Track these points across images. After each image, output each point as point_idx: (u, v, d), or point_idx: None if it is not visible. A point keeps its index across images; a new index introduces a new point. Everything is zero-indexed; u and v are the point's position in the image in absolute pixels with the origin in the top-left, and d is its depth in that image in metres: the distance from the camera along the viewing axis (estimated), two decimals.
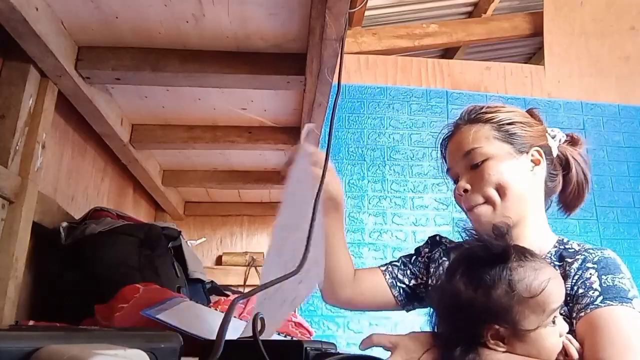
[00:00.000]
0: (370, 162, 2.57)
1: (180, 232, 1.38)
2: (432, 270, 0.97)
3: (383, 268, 0.99)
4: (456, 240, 0.98)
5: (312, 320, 2.23)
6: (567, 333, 0.73)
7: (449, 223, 2.48)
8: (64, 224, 1.18)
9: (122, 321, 0.89)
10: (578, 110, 2.83)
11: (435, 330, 0.75)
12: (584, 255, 0.80)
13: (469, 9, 3.06)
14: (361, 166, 2.56)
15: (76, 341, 0.34)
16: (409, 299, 0.97)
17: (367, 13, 2.81)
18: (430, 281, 0.96)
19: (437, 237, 1.02)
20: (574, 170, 0.94)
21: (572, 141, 0.96)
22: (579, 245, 0.85)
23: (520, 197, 0.84)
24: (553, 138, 0.93)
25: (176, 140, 1.47)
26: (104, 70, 1.07)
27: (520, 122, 0.89)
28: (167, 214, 2.19)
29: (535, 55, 3.41)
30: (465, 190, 0.86)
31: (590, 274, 0.76)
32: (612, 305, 0.71)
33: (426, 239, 1.04)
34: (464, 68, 2.83)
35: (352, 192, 2.51)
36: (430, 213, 2.51)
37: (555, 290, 0.70)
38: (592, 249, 0.82)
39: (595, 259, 0.79)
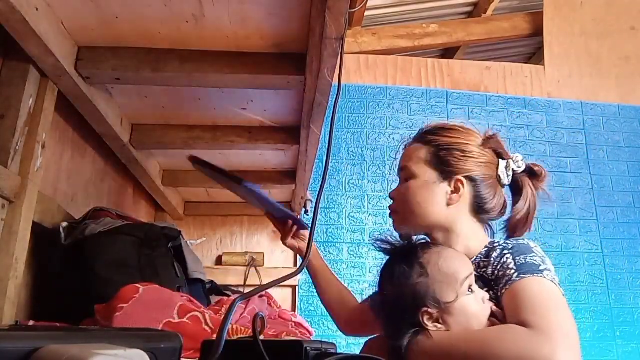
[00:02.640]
0: (370, 162, 2.57)
1: (180, 232, 1.38)
2: None
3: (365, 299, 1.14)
4: None
5: (312, 320, 2.23)
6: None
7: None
8: (64, 224, 1.18)
9: (122, 321, 0.89)
10: (578, 110, 2.83)
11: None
12: (502, 246, 0.89)
13: (469, 9, 3.06)
14: (361, 166, 2.56)
15: (76, 341, 0.34)
16: None
17: (367, 13, 2.81)
18: None
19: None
20: (522, 199, 1.00)
21: (531, 172, 1.01)
22: (500, 244, 0.92)
23: (427, 216, 0.96)
24: (505, 167, 0.99)
25: (176, 140, 1.47)
26: (104, 70, 1.07)
27: (459, 150, 0.97)
28: (167, 214, 2.19)
29: (535, 55, 3.41)
30: (392, 198, 1.02)
31: (507, 257, 0.86)
32: (525, 277, 0.80)
33: None
34: (464, 68, 2.83)
35: (352, 192, 2.51)
36: None
37: (459, 262, 0.82)
38: (509, 241, 0.91)
39: (510, 246, 0.88)
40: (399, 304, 0.80)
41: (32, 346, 0.32)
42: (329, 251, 2.39)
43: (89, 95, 1.12)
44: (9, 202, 0.96)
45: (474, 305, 0.80)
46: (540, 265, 0.83)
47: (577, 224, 2.61)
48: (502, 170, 0.99)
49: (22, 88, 0.98)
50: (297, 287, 2.30)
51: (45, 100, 1.04)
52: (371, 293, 1.05)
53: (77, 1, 0.92)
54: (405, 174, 1.00)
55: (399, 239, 0.91)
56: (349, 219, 2.46)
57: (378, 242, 0.90)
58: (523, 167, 1.00)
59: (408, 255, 0.83)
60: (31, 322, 0.99)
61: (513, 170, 1.00)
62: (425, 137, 1.02)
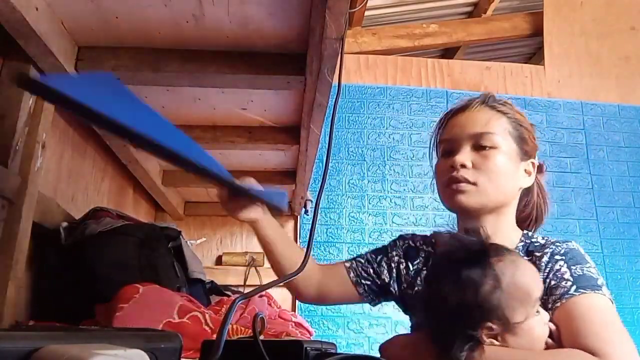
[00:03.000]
0: (370, 162, 2.57)
1: (180, 232, 1.38)
2: (402, 273, 0.97)
3: (348, 264, 1.00)
4: (422, 235, 1.02)
5: (312, 320, 2.23)
6: None
7: (449, 223, 2.47)
8: (64, 224, 1.18)
9: (122, 321, 0.89)
10: (578, 110, 2.83)
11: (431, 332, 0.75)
12: (551, 248, 0.83)
13: (469, 9, 3.06)
14: (361, 166, 2.56)
15: (76, 341, 0.34)
16: (375, 295, 0.99)
17: (367, 13, 2.81)
18: (395, 283, 0.97)
19: (410, 236, 1.02)
20: (534, 194, 0.95)
21: (540, 168, 0.96)
22: (543, 238, 0.87)
23: (503, 194, 0.86)
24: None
25: None
26: (104, 70, 1.07)
27: (529, 131, 0.91)
28: (167, 214, 2.19)
29: (535, 55, 3.41)
30: (463, 166, 0.85)
31: (560, 265, 0.79)
32: (585, 293, 0.74)
33: (394, 239, 1.03)
34: (464, 68, 2.83)
35: (352, 192, 2.51)
36: (430, 213, 2.51)
37: (535, 280, 0.73)
38: (558, 242, 0.85)
39: (562, 251, 0.82)
40: (460, 312, 0.69)
41: (32, 346, 0.32)
42: (329, 251, 2.39)
43: None
44: (9, 202, 0.96)
45: (539, 328, 0.72)
46: (597, 278, 0.77)
47: (577, 224, 2.61)
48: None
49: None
50: None
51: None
52: (357, 256, 1.01)
53: (77, 1, 0.92)
54: (488, 140, 0.85)
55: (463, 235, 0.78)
56: (349, 219, 2.46)
57: (453, 239, 0.77)
58: (537, 162, 0.96)
59: (478, 258, 0.71)
60: (31, 322, 0.99)
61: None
62: (500, 107, 0.90)
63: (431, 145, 0.98)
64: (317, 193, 0.77)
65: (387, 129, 2.64)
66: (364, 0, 2.06)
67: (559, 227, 2.59)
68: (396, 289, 0.97)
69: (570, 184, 2.68)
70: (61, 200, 1.25)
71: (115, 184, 1.66)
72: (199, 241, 2.29)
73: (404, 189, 2.54)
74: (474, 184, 0.84)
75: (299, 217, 2.40)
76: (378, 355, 0.73)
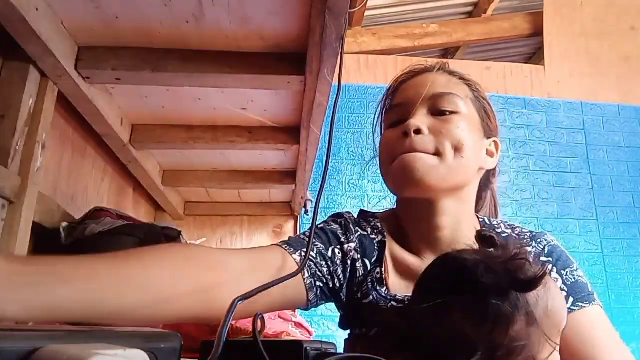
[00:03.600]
0: (370, 162, 2.57)
1: (180, 232, 1.38)
2: (357, 274, 0.73)
3: (297, 258, 0.68)
4: (368, 213, 0.80)
5: (312, 320, 2.23)
6: None
7: None
8: (64, 224, 1.18)
9: None
10: (578, 110, 2.83)
11: None
12: (530, 244, 0.72)
13: (469, 9, 3.06)
14: (361, 166, 2.56)
15: (76, 341, 0.34)
16: (320, 300, 0.73)
17: (367, 13, 2.81)
18: (346, 289, 0.74)
19: (358, 223, 0.78)
20: (488, 192, 0.85)
21: (493, 171, 0.85)
22: (507, 226, 0.76)
23: (465, 171, 0.70)
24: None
25: (176, 140, 1.46)
26: (104, 70, 1.07)
27: (492, 108, 0.79)
28: (167, 214, 2.19)
29: (535, 55, 3.41)
30: (418, 131, 0.68)
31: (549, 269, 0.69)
32: (585, 307, 0.67)
33: (342, 219, 0.78)
34: (464, 68, 2.81)
35: (352, 192, 2.51)
36: None
37: (563, 305, 0.57)
38: (534, 234, 0.74)
39: (547, 251, 0.71)
40: (474, 350, 0.51)
41: (32, 346, 0.32)
42: None
43: (89, 95, 1.12)
44: (9, 202, 0.96)
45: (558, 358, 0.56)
46: (587, 284, 0.71)
47: (577, 224, 2.61)
48: None
49: (22, 88, 0.98)
50: None
51: (45, 100, 1.04)
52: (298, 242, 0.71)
53: (77, 1, 0.92)
54: (450, 103, 0.71)
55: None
56: None
57: (473, 257, 0.55)
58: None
59: (505, 282, 0.51)
60: (31, 322, 0.99)
61: None
62: (459, 74, 0.78)
63: (375, 120, 0.81)
64: (317, 193, 0.76)
65: None
66: (364, 0, 2.06)
67: (559, 227, 2.59)
68: (345, 296, 0.73)
69: (570, 184, 2.68)
70: (61, 200, 1.25)
71: (115, 184, 1.66)
72: (199, 241, 2.29)
73: None
74: (435, 154, 0.68)
75: (299, 217, 2.40)
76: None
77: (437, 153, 0.68)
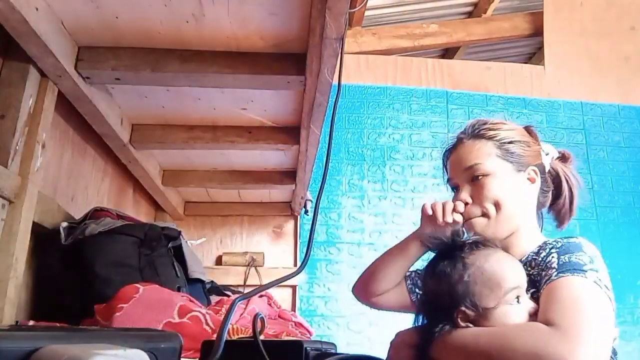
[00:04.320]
0: (370, 162, 2.57)
1: (180, 232, 1.38)
2: None
3: (407, 273, 1.04)
4: None
5: (312, 320, 2.23)
6: None
7: None
8: (64, 224, 1.18)
9: (122, 321, 0.89)
10: (578, 110, 2.83)
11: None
12: (552, 244, 0.85)
13: (469, 9, 3.06)
14: (361, 166, 2.56)
15: (76, 341, 0.34)
16: None
17: (367, 13, 2.81)
18: None
19: (414, 273, 1.08)
20: (564, 185, 0.98)
21: (563, 158, 1.01)
22: (557, 240, 0.89)
23: (513, 212, 0.91)
24: (547, 155, 0.98)
25: (176, 140, 1.47)
26: (104, 70, 1.07)
27: (520, 142, 0.95)
28: (167, 214, 2.19)
29: (535, 55, 3.41)
30: (466, 203, 0.92)
31: (552, 256, 0.82)
32: (564, 276, 0.76)
33: None
34: (464, 68, 2.83)
35: (352, 192, 2.51)
36: None
37: (507, 269, 0.77)
38: (563, 238, 0.86)
39: (559, 245, 0.84)
40: (436, 301, 0.79)
41: (32, 346, 0.32)
42: (329, 251, 2.39)
43: (89, 95, 1.12)
44: (9, 202, 0.96)
45: (515, 317, 0.75)
46: (585, 264, 0.77)
47: (577, 224, 2.61)
48: (545, 159, 0.97)
49: (22, 88, 0.98)
50: (297, 287, 2.30)
51: (45, 100, 1.04)
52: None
53: (77, 1, 0.92)
54: (477, 171, 0.92)
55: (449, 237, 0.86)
56: (349, 219, 2.46)
57: (432, 239, 0.85)
58: (557, 154, 1.00)
59: (454, 253, 0.80)
60: (31, 322, 0.99)
61: (552, 157, 0.99)
62: (484, 132, 0.96)
63: (444, 183, 1.05)
64: (317, 193, 0.77)
65: (387, 129, 2.64)
66: (364, 0, 2.06)
67: None
68: None
69: None
70: (61, 200, 1.25)
71: (115, 184, 1.66)
72: (199, 241, 2.29)
73: (404, 189, 2.54)
74: (482, 215, 0.91)
75: (299, 217, 2.40)
76: (378, 355, 0.73)
77: (484, 214, 0.91)
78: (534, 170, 0.94)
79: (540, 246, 0.89)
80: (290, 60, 1.10)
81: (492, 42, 3.21)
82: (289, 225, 2.42)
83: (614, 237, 2.61)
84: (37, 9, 0.87)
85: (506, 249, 0.85)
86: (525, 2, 3.11)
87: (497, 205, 0.90)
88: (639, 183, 2.74)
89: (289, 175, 1.86)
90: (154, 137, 1.46)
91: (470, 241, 0.81)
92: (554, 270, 0.78)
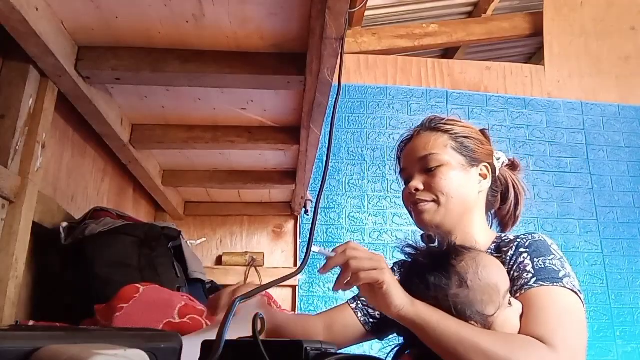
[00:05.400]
0: (370, 162, 2.57)
1: (180, 232, 1.38)
2: None
3: (353, 305, 1.01)
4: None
5: None
6: None
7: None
8: (64, 224, 1.18)
9: (122, 321, 0.89)
10: (578, 110, 2.83)
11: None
12: (516, 242, 0.87)
13: (469, 9, 3.06)
14: (361, 166, 2.56)
15: (76, 341, 0.34)
16: (381, 330, 0.99)
17: (367, 13, 2.81)
18: None
19: (401, 262, 1.05)
20: (511, 191, 1.01)
21: (513, 166, 1.04)
22: (514, 236, 0.91)
23: (463, 202, 0.93)
24: (497, 160, 1.01)
25: (176, 140, 1.47)
26: (104, 70, 1.07)
27: (475, 139, 0.98)
28: (167, 214, 2.19)
29: (535, 55, 3.41)
30: (417, 190, 0.94)
31: (524, 257, 0.83)
32: (544, 285, 0.78)
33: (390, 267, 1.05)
34: (464, 68, 2.83)
35: (352, 192, 2.51)
36: None
37: (498, 272, 0.77)
38: (524, 235, 0.88)
39: (527, 244, 0.85)
40: None
41: (32, 346, 0.32)
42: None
43: (89, 95, 1.12)
44: (9, 202, 0.96)
45: (514, 320, 0.75)
46: (559, 271, 0.80)
47: (577, 224, 2.61)
48: (495, 162, 1.00)
49: (22, 88, 0.98)
50: (297, 287, 2.30)
51: (45, 100, 1.04)
52: (359, 294, 1.00)
53: (77, 1, 0.92)
54: (432, 161, 0.94)
55: (423, 243, 0.86)
56: (349, 219, 2.46)
57: (407, 249, 0.83)
58: (507, 161, 1.03)
59: (440, 261, 0.76)
60: (31, 322, 0.99)
61: (502, 163, 1.02)
62: (438, 126, 0.99)
63: (396, 176, 1.07)
64: (317, 193, 0.77)
65: (387, 129, 2.64)
66: (364, 0, 2.06)
67: (559, 227, 2.59)
68: None
69: (570, 184, 2.68)
70: (61, 200, 1.25)
71: (115, 184, 1.66)
72: (199, 241, 2.29)
73: None
74: (432, 201, 0.93)
75: (299, 217, 2.40)
76: (378, 355, 0.73)
77: (434, 201, 0.93)
78: (486, 167, 0.97)
79: (496, 242, 0.92)
80: (290, 60, 1.10)
81: (492, 42, 3.20)
82: (289, 225, 2.42)
83: (614, 237, 2.61)
84: (37, 9, 0.87)
85: (459, 241, 0.84)
86: (525, 2, 3.11)
87: (448, 195, 0.92)
88: (639, 183, 2.74)
89: (289, 175, 1.86)
90: (153, 137, 1.46)
91: (450, 245, 0.79)
92: (530, 274, 0.80)
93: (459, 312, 0.72)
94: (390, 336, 1.00)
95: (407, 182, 0.99)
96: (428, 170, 0.94)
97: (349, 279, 0.74)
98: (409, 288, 0.75)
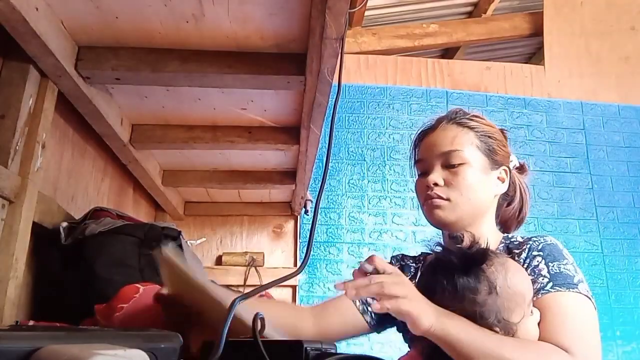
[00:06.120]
0: (370, 162, 2.57)
1: (180, 232, 1.37)
2: None
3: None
4: (411, 255, 1.04)
5: None
6: None
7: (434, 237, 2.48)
8: (64, 224, 1.18)
9: (122, 321, 0.89)
10: (578, 110, 2.83)
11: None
12: (528, 244, 0.86)
13: (469, 9, 3.06)
14: (361, 166, 2.56)
15: (76, 341, 0.34)
16: (380, 322, 0.97)
17: (367, 13, 2.81)
18: None
19: (400, 256, 1.05)
20: (518, 194, 1.00)
21: (522, 169, 1.02)
22: (522, 238, 0.91)
23: (479, 206, 0.91)
24: (511, 162, 0.99)
25: (176, 140, 1.47)
26: (104, 70, 1.07)
27: (497, 140, 0.96)
28: (167, 214, 2.19)
29: (535, 55, 3.41)
30: (436, 184, 0.91)
31: (538, 261, 0.83)
32: (560, 291, 0.78)
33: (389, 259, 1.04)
34: (464, 68, 2.83)
35: (352, 192, 2.51)
36: None
37: (524, 280, 0.76)
38: (535, 238, 0.88)
39: (540, 247, 0.85)
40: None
41: (32, 346, 0.32)
42: (329, 251, 2.39)
43: (89, 95, 1.12)
44: (9, 202, 0.96)
45: (535, 327, 0.75)
46: (574, 276, 0.80)
47: (577, 224, 2.61)
48: (511, 165, 0.99)
49: (22, 88, 0.98)
50: (297, 287, 2.30)
51: (45, 100, 1.04)
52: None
53: (77, 1, 0.92)
54: (456, 158, 0.91)
55: (451, 244, 0.82)
56: (349, 219, 2.46)
57: (437, 247, 0.81)
58: (518, 164, 1.02)
59: (470, 265, 0.74)
60: (31, 322, 0.99)
61: (514, 165, 1.00)
62: (467, 122, 0.95)
63: (410, 165, 1.05)
64: (317, 193, 0.77)
65: (387, 129, 2.64)
66: (364, 0, 2.06)
67: (559, 227, 2.59)
68: None
69: (570, 184, 2.68)
70: (61, 200, 1.25)
71: (115, 184, 1.66)
72: (199, 241, 2.29)
73: (404, 189, 2.54)
74: (448, 199, 0.90)
75: (299, 217, 2.40)
76: (378, 355, 0.73)
77: (449, 199, 0.90)
78: (505, 171, 0.95)
79: (504, 243, 0.91)
80: (290, 60, 1.10)
81: (492, 42, 3.21)
82: (289, 225, 2.42)
83: (614, 237, 2.61)
84: (37, 9, 0.87)
85: None
86: (525, 2, 3.11)
87: (466, 196, 0.90)
88: (639, 183, 2.74)
89: (289, 175, 1.86)
90: (153, 137, 1.46)
91: (479, 249, 0.77)
92: (546, 279, 0.80)
93: (483, 318, 0.71)
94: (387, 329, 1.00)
95: (423, 173, 0.96)
96: (450, 166, 0.91)
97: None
98: (433, 287, 0.75)
